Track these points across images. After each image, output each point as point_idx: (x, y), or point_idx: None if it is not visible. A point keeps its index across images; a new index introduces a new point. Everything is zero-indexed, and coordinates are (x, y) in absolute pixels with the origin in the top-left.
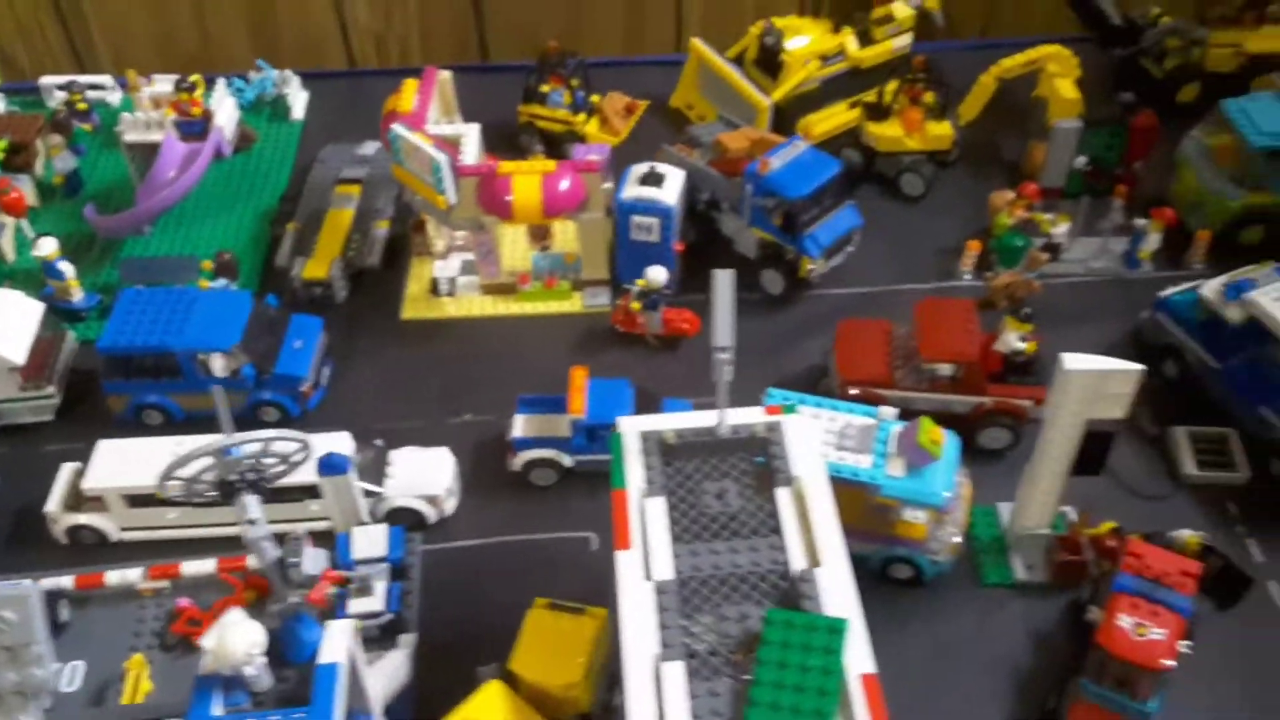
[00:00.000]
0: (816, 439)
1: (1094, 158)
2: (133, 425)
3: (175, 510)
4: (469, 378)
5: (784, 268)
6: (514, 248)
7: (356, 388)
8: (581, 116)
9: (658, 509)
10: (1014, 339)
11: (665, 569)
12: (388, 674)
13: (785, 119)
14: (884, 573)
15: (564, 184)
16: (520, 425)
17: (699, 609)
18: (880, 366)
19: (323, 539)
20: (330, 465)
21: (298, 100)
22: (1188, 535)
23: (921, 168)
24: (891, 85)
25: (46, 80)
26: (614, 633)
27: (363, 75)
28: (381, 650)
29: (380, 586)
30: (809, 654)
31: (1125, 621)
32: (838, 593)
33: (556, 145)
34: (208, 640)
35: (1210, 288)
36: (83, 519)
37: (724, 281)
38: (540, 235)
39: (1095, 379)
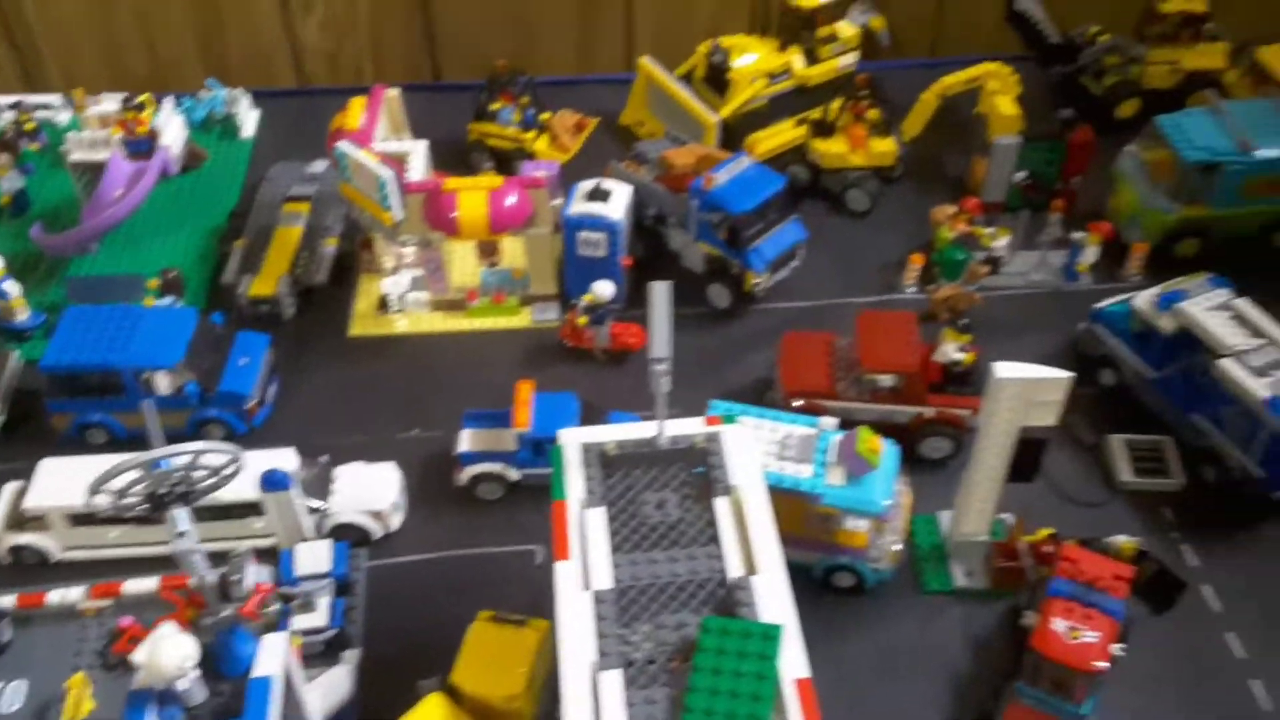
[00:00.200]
0: (756, 449)
1: (1034, 173)
2: (77, 444)
3: (117, 529)
4: (417, 393)
5: (730, 282)
6: (463, 264)
7: (304, 404)
8: (531, 134)
9: (597, 520)
10: (952, 350)
11: (604, 579)
12: (329, 689)
13: (734, 136)
14: (827, 582)
15: (510, 200)
16: (466, 440)
17: (637, 618)
18: (823, 378)
19: (268, 556)
20: (272, 481)
21: (248, 119)
22: (1123, 541)
23: (866, 183)
24: (836, 103)
25: None
26: (556, 644)
27: (314, 94)
28: (326, 665)
29: (324, 602)
30: (744, 660)
31: (1059, 625)
32: (774, 600)
33: (507, 163)
34: (139, 654)
35: (1143, 299)
36: (25, 538)
37: (660, 293)
38: (488, 251)
39: (1026, 387)
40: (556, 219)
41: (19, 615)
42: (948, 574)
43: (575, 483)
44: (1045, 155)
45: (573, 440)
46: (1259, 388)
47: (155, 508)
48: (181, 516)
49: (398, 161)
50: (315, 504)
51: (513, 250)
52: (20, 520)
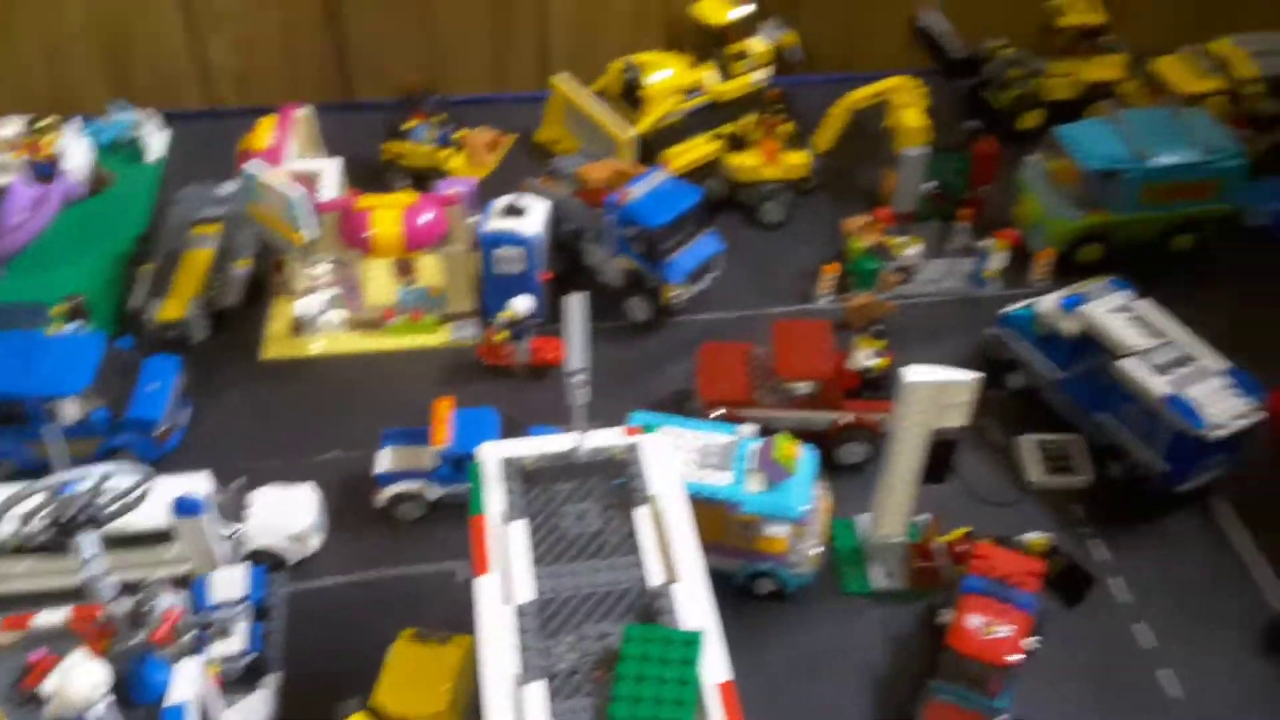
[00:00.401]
0: (675, 458)
1: (942, 183)
2: None
3: (26, 562)
4: (334, 414)
5: (648, 295)
6: (379, 283)
7: (217, 428)
8: (447, 151)
9: (518, 533)
10: (866, 356)
11: (525, 591)
12: (248, 714)
13: (650, 151)
14: (749, 588)
15: (425, 217)
16: (385, 459)
17: (560, 629)
18: (740, 387)
19: (183, 583)
20: (185, 507)
21: (155, 141)
22: (1034, 537)
23: (780, 196)
24: (750, 117)
25: None
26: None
27: (223, 115)
28: (245, 691)
29: (241, 628)
30: (666, 666)
31: (974, 621)
32: (694, 606)
33: (423, 180)
34: (49, 685)
35: (1048, 303)
36: None
37: (576, 306)
38: (405, 269)
39: (936, 390)
40: (473, 236)
41: None
42: (866, 576)
43: (494, 497)
44: (952, 166)
45: (491, 455)
46: (1160, 386)
47: (62, 534)
48: (88, 542)
49: (309, 181)
50: (230, 529)
51: (429, 268)
52: None
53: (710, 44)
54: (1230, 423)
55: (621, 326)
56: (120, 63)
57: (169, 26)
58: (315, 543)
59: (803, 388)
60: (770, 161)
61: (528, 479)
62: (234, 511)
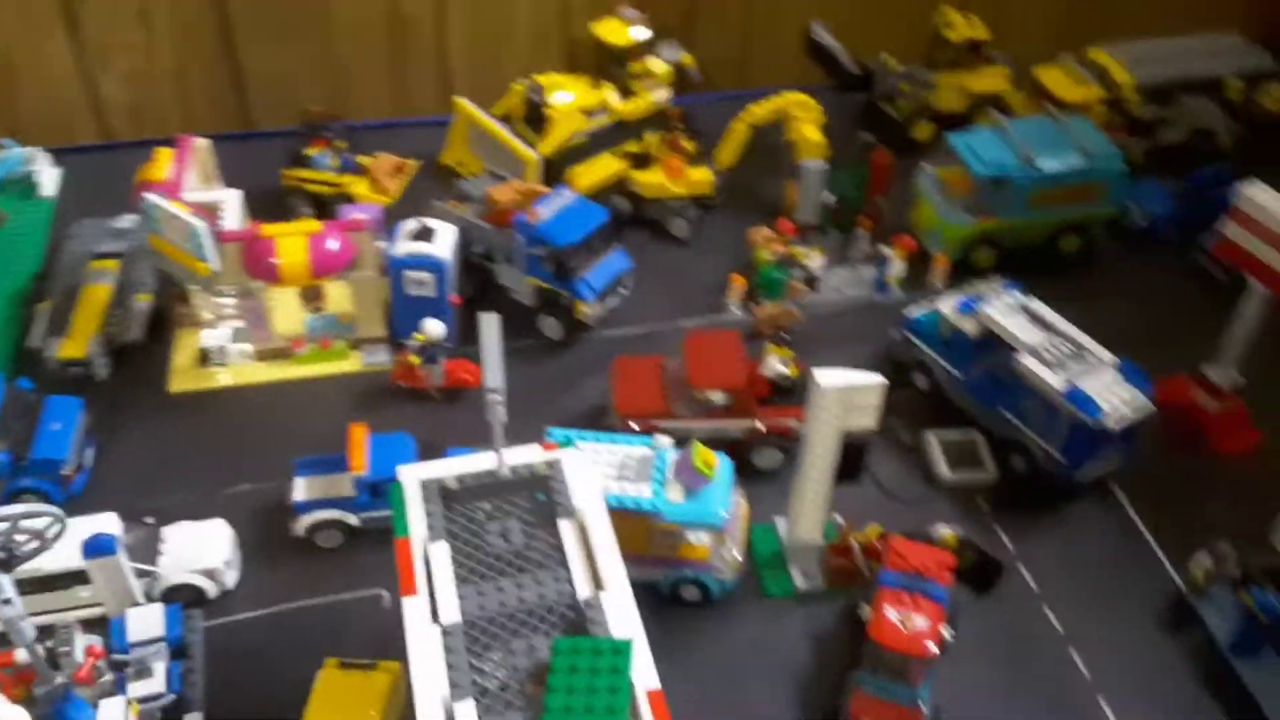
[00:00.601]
0: (595, 472)
1: (841, 194)
2: None
3: None
4: (245, 446)
5: (561, 313)
6: (286, 311)
7: (125, 466)
8: (350, 178)
9: (442, 553)
10: (777, 363)
11: (452, 611)
12: None
13: (555, 172)
14: (674, 596)
15: (332, 244)
16: (301, 488)
17: (489, 646)
18: (655, 399)
19: (98, 625)
20: (96, 547)
21: (48, 177)
22: (945, 531)
23: (686, 211)
24: (653, 136)
25: None
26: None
27: (117, 148)
28: None
29: (160, 667)
30: (596, 676)
31: (892, 614)
32: (622, 616)
33: (327, 208)
34: None
35: (947, 305)
36: None
37: (490, 324)
38: (312, 297)
39: (845, 393)
40: (381, 261)
41: None
42: (787, 578)
43: (417, 519)
44: (851, 177)
45: (411, 477)
46: (1057, 380)
47: None
48: (4, 584)
49: (209, 211)
50: (144, 567)
51: (338, 295)
52: None
53: (610, 64)
54: (1125, 413)
55: (535, 345)
56: (8, 99)
57: (58, 61)
58: (232, 577)
59: (716, 397)
60: (675, 178)
61: (449, 499)
62: (146, 550)
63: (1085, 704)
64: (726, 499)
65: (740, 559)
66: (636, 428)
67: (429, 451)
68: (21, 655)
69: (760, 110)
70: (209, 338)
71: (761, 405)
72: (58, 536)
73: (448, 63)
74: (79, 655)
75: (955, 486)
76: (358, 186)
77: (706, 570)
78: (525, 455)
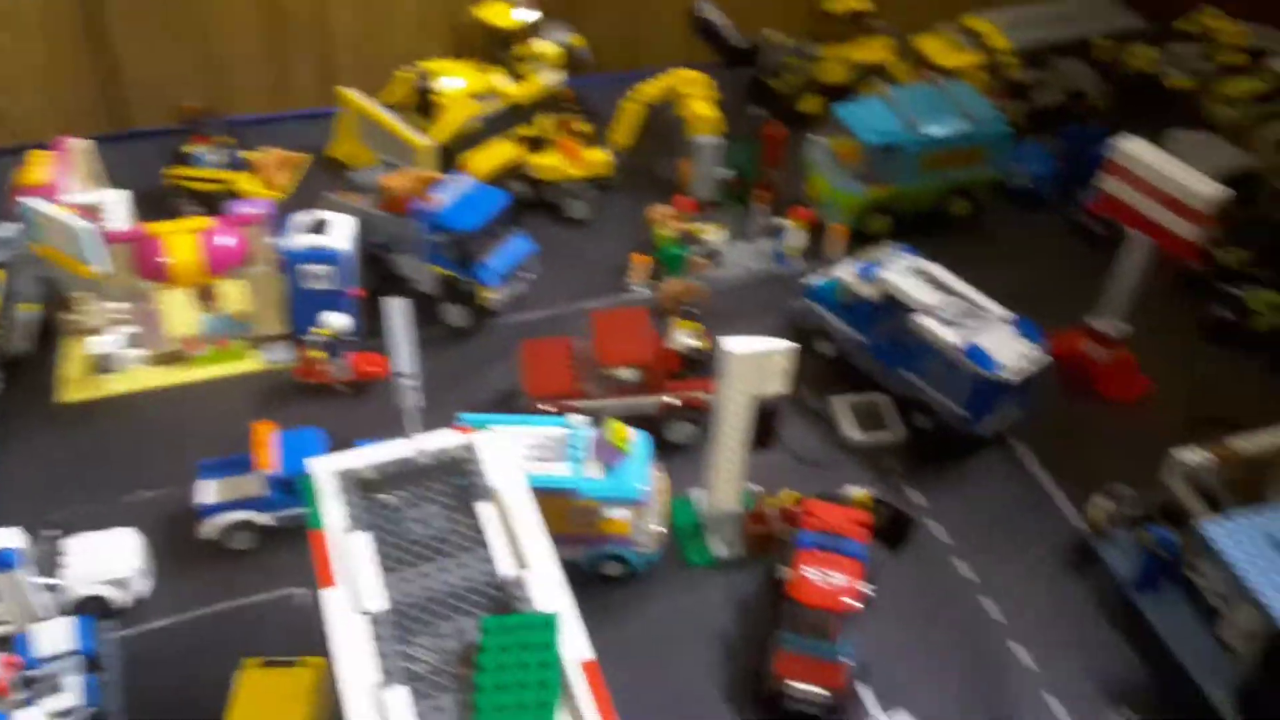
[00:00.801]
0: (513, 452)
1: (736, 169)
2: None
3: None
4: (146, 453)
5: (465, 300)
6: (180, 313)
7: (21, 480)
8: (238, 174)
9: (361, 543)
10: (683, 338)
11: (376, 600)
12: None
13: (450, 159)
14: (597, 572)
15: (224, 240)
16: (208, 491)
17: (416, 632)
18: (566, 380)
19: (3, 644)
20: None
21: None
22: (858, 491)
23: (584, 193)
24: (547, 119)
25: None
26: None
27: None
28: None
29: (73, 681)
30: (526, 651)
31: (811, 573)
32: (548, 591)
33: (214, 205)
34: None
35: (846, 272)
36: None
37: (395, 309)
38: (207, 296)
39: (754, 359)
40: (276, 256)
41: None
42: (708, 547)
43: (331, 510)
44: (744, 152)
45: (324, 469)
46: (955, 338)
47: None
48: None
49: (93, 213)
50: (48, 581)
51: (233, 293)
52: None
53: (497, 48)
54: (1022, 366)
55: (440, 334)
56: None
57: None
58: (143, 586)
59: (627, 374)
60: (571, 160)
61: (365, 489)
62: (51, 563)
63: (998, 649)
64: (644, 473)
65: (661, 531)
66: (549, 409)
67: (340, 445)
68: None
69: (651, 89)
70: (99, 344)
71: (672, 380)
72: None
73: (330, 54)
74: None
75: (864, 447)
76: (246, 182)
77: (628, 545)
78: (440, 440)
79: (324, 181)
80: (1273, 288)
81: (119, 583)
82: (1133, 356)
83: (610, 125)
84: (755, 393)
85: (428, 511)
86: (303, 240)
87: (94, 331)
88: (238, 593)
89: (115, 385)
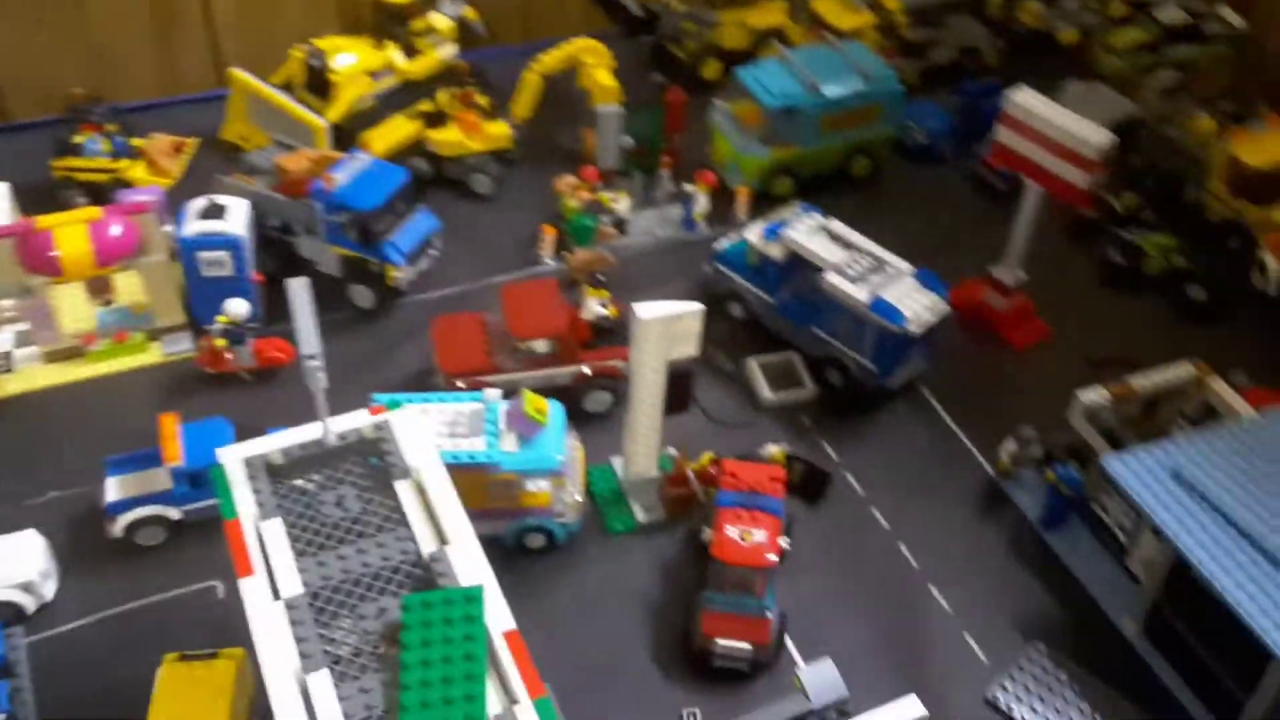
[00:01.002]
0: (427, 430)
1: (639, 136)
2: None
3: None
4: (47, 453)
5: (371, 280)
6: (73, 307)
7: None
8: (125, 162)
9: (275, 529)
10: (595, 306)
11: (293, 585)
12: None
13: (347, 138)
14: (520, 545)
15: (115, 230)
16: (116, 488)
17: (336, 615)
18: (478, 355)
19: None
20: None
21: None
22: (774, 449)
23: (487, 167)
24: (445, 93)
25: None
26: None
27: None
28: None
29: None
30: (450, 626)
31: (731, 531)
32: (469, 565)
33: (103, 195)
34: None
35: (753, 234)
36: None
37: (299, 290)
38: (100, 289)
39: (666, 322)
40: (171, 244)
41: None
42: (629, 514)
43: (244, 498)
44: (647, 119)
45: (233, 457)
46: (860, 293)
47: None
48: None
49: None
50: None
51: (128, 284)
52: None
53: (390, 23)
54: (926, 318)
55: (347, 316)
56: None
57: None
58: (50, 589)
59: (540, 346)
60: (472, 134)
61: (277, 475)
62: None
63: (918, 592)
64: (561, 443)
65: (581, 500)
66: (463, 385)
67: (248, 434)
68: None
69: (550, 59)
70: None
71: (585, 349)
72: None
73: (217, 34)
74: None
75: (778, 406)
76: (135, 171)
77: (549, 516)
78: (352, 421)
79: (216, 165)
80: (1162, 231)
81: (25, 586)
82: (1031, 303)
83: (511, 98)
84: (667, 356)
85: (342, 493)
86: (197, 226)
87: None
88: (150, 590)
89: (10, 385)
